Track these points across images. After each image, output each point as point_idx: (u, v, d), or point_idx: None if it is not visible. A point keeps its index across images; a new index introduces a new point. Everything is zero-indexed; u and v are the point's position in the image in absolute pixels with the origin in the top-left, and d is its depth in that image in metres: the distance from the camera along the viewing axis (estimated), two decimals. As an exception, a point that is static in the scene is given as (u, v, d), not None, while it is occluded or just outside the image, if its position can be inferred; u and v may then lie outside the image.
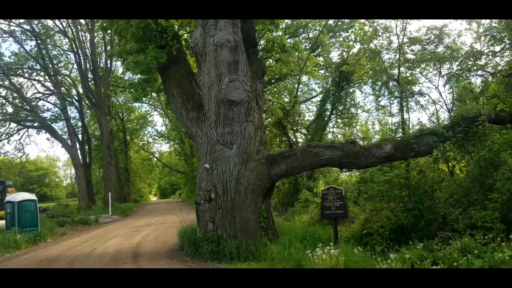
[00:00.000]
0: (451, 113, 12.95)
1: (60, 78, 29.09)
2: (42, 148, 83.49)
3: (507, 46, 10.02)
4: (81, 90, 29.84)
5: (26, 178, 51.36)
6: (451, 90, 13.73)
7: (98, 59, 28.73)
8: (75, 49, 27.50)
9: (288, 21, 20.84)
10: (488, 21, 10.20)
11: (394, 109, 17.45)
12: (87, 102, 30.25)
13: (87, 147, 31.18)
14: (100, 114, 28.16)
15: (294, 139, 20.06)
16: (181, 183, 44.67)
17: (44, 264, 9.26)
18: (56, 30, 27.40)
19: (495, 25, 9.71)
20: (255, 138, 9.65)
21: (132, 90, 11.73)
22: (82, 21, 27.55)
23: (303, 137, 21.35)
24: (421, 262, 6.48)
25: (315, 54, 20.74)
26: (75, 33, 27.26)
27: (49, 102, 30.28)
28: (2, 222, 14.34)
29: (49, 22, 27.05)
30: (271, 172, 9.40)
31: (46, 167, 58.66)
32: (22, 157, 30.93)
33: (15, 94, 26.94)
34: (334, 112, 19.92)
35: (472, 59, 10.86)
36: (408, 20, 13.84)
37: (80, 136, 31.07)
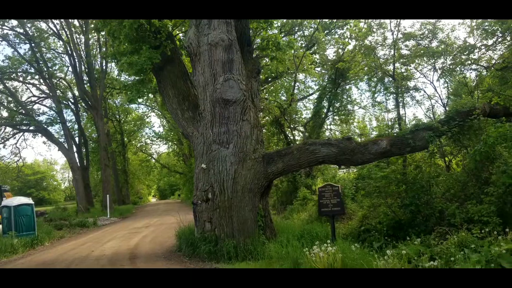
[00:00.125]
0: (446, 108, 12.97)
1: (55, 81, 28.95)
2: (38, 151, 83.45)
3: (499, 40, 10.03)
4: (76, 93, 29.73)
5: (23, 182, 51.20)
6: (446, 84, 13.75)
7: (93, 61, 28.60)
8: (69, 52, 27.38)
9: (284, 20, 20.83)
10: (481, 15, 10.19)
11: (390, 105, 17.49)
12: (83, 104, 30.14)
13: (84, 150, 31.08)
14: (97, 116, 28.06)
15: (291, 137, 20.05)
16: (180, 183, 44.64)
17: (41, 267, 9.21)
18: (50, 32, 27.27)
19: (489, 19, 9.71)
20: (251, 137, 9.63)
21: (126, 91, 11.65)
22: (76, 23, 27.43)
23: (301, 135, 21.36)
24: (419, 257, 6.49)
25: (311, 52, 20.73)
26: (69, 36, 27.11)
27: (44, 105, 30.38)
28: (-1, 227, 14.28)
29: (43, 25, 26.91)
30: (268, 171, 9.39)
31: (43, 170, 58.44)
32: (18, 161, 30.82)
33: (9, 98, 26.79)
34: (331, 109, 19.93)
35: (465, 53, 10.87)
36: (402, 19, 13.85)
37: (77, 139, 30.97)
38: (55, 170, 64.94)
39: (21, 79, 28.08)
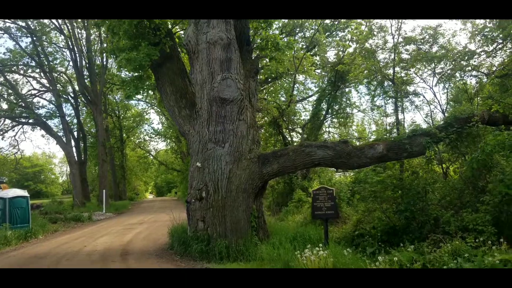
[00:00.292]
0: (445, 114, 12.89)
1: (56, 75, 28.91)
2: (37, 144, 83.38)
3: (499, 46, 9.96)
4: (77, 87, 29.69)
5: (21, 174, 51.15)
6: (445, 90, 13.68)
7: (94, 56, 28.54)
8: (71, 46, 27.34)
9: (285, 20, 20.76)
10: (482, 21, 10.15)
11: (389, 109, 17.43)
12: (83, 99, 30.08)
13: (82, 144, 31.01)
14: (96, 111, 28.01)
15: (289, 139, 19.97)
16: (177, 181, 44.52)
17: (32, 260, 9.17)
18: (52, 27, 27.21)
19: (490, 25, 9.64)
20: (247, 137, 9.56)
21: (124, 87, 11.59)
22: (78, 18, 27.36)
23: (299, 136, 21.28)
24: (411, 264, 6.42)
25: (311, 53, 20.65)
26: (71, 30, 27.08)
27: (44, 99, 30.42)
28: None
29: (45, 19, 26.86)
30: (263, 171, 9.32)
31: (41, 163, 58.40)
32: (16, 153, 30.74)
33: (10, 91, 26.74)
34: (329, 111, 19.85)
35: (465, 59, 10.79)
36: (403, 20, 13.80)
37: (75, 133, 30.91)
38: (53, 163, 64.97)
39: (21, 72, 28.05)
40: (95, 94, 27.84)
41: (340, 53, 19.14)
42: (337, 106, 19.89)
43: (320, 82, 21.56)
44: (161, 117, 40.05)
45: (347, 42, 19.32)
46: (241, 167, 9.19)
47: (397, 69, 13.72)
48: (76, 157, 28.05)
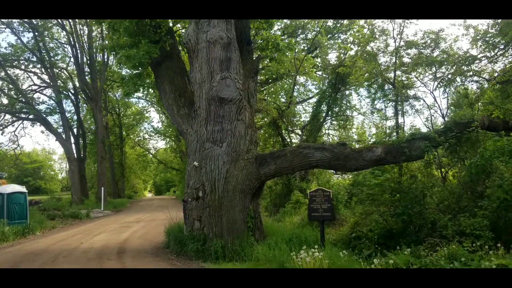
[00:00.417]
0: (445, 118, 12.86)
1: (57, 71, 28.90)
2: (36, 140, 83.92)
3: (499, 52, 9.93)
4: (77, 84, 29.66)
5: (21, 170, 51.14)
6: (445, 95, 13.65)
7: (95, 53, 28.54)
8: (72, 42, 27.32)
9: (287, 21, 20.74)
10: (485, 26, 10.13)
11: (389, 113, 17.38)
12: (83, 96, 30.06)
13: (81, 141, 30.98)
14: (96, 108, 27.98)
15: (288, 140, 19.94)
16: (176, 180, 44.51)
17: (28, 257, 9.14)
18: (54, 22, 27.18)
19: (492, 31, 9.62)
20: (245, 137, 9.53)
21: (123, 84, 11.56)
22: (81, 14, 27.35)
23: (299, 138, 21.25)
24: (407, 268, 6.39)
25: (313, 55, 20.62)
26: (73, 27, 27.07)
27: (44, 94, 30.20)
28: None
29: (47, 15, 26.86)
30: (260, 172, 9.29)
31: (41, 160, 58.37)
32: (16, 149, 30.72)
33: (10, 86, 26.73)
34: (329, 113, 19.81)
35: (466, 64, 10.76)
36: (406, 23, 13.77)
37: (75, 130, 30.88)
38: (53, 160, 64.93)
39: (22, 67, 28.06)
40: (96, 91, 27.82)
41: (342, 55, 19.11)
42: (337, 108, 19.86)
43: (320, 84, 21.54)
44: (161, 115, 40.04)
45: (349, 45, 19.30)
46: (238, 167, 9.16)
47: (398, 72, 13.69)
48: (75, 154, 28.02)
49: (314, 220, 9.01)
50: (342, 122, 20.98)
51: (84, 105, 33.22)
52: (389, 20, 13.82)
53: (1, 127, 27.59)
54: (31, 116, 26.96)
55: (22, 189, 15.02)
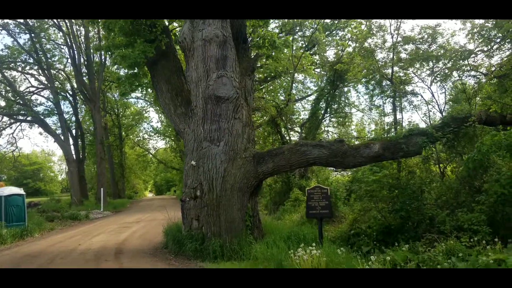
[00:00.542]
0: (443, 114, 12.83)
1: (54, 72, 28.86)
2: (35, 142, 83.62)
3: (495, 46, 9.88)
4: (75, 85, 29.61)
5: (20, 172, 51.14)
6: (443, 90, 13.63)
7: (93, 54, 28.48)
8: (69, 43, 27.25)
9: (285, 19, 20.65)
10: (482, 21, 10.07)
11: (387, 109, 17.35)
12: (81, 97, 30.02)
13: (80, 142, 30.95)
14: (94, 109, 27.93)
15: (287, 138, 19.91)
16: (176, 180, 44.46)
17: (25, 259, 9.12)
18: (50, 24, 27.12)
19: (488, 24, 9.57)
20: (242, 136, 9.50)
21: (119, 84, 11.52)
22: (77, 15, 27.26)
23: (298, 135, 21.22)
24: (405, 264, 6.37)
25: (311, 52, 20.57)
26: (69, 27, 26.99)
27: (42, 96, 30.22)
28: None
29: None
30: (258, 170, 9.26)
31: (40, 161, 58.34)
32: (14, 151, 30.68)
33: (8, 88, 26.68)
34: (328, 110, 19.78)
35: (461, 58, 10.72)
36: (403, 19, 13.71)
37: (74, 131, 30.84)
38: (53, 161, 64.89)
39: (20, 69, 28.02)
40: (93, 92, 27.77)
41: (340, 52, 19.07)
42: (335, 105, 19.83)
43: (319, 81, 21.51)
44: (160, 115, 39.96)
45: (347, 42, 19.25)
46: (236, 166, 9.13)
47: (395, 68, 13.65)
48: (74, 155, 28.00)
49: (312, 217, 8.99)
50: (341, 119, 20.96)
51: (83, 106, 33.18)
52: (386, 16, 13.76)
53: (-1, 129, 27.58)
54: (29, 118, 26.93)
55: (20, 191, 15.00)
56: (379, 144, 8.96)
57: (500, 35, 9.50)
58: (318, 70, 21.87)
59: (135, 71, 10.80)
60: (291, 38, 15.42)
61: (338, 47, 19.63)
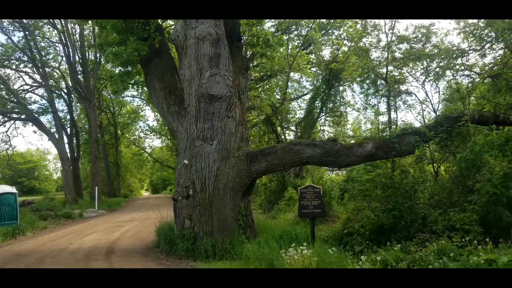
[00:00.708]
0: (437, 113, 12.85)
1: (49, 70, 28.61)
2: (29, 141, 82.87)
3: (487, 45, 9.88)
4: (70, 83, 29.41)
5: (15, 171, 50.81)
6: (437, 90, 13.64)
7: (88, 52, 28.28)
8: (64, 41, 27.04)
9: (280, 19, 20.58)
10: (475, 20, 10.07)
11: (382, 108, 17.36)
12: (76, 95, 29.81)
13: (75, 141, 30.75)
14: (89, 107, 27.75)
15: (283, 137, 19.88)
16: (172, 178, 44.31)
17: (15, 258, 9.02)
18: (44, 22, 26.86)
19: (480, 24, 9.57)
20: (235, 134, 9.45)
21: (112, 82, 11.42)
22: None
23: (293, 134, 21.20)
24: (397, 264, 6.36)
25: (307, 51, 20.53)
26: (64, 25, 26.77)
27: (36, 94, 29.94)
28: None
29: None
30: (251, 169, 9.21)
31: (35, 160, 57.98)
32: (8, 149, 30.45)
33: (1, 86, 26.42)
34: (323, 109, 19.76)
35: (453, 57, 10.72)
36: (397, 19, 13.69)
37: (68, 129, 30.62)
38: (48, 160, 64.53)
39: (14, 67, 27.74)
40: (88, 90, 27.58)
41: (335, 51, 19.05)
42: (331, 104, 19.82)
43: (315, 80, 21.48)
44: (156, 114, 39.81)
45: (342, 41, 19.23)
46: (229, 165, 9.07)
47: (390, 67, 13.64)
48: (68, 154, 27.80)
49: (304, 217, 8.96)
50: (336, 118, 20.95)
51: (78, 104, 32.96)
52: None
53: (-7, 128, 27.34)
54: (23, 116, 26.69)
55: (12, 189, 14.87)
56: (372, 143, 8.94)
57: (492, 34, 9.50)
58: (314, 69, 21.85)
59: (129, 69, 10.70)
60: (286, 37, 15.36)
61: (334, 46, 19.60)
